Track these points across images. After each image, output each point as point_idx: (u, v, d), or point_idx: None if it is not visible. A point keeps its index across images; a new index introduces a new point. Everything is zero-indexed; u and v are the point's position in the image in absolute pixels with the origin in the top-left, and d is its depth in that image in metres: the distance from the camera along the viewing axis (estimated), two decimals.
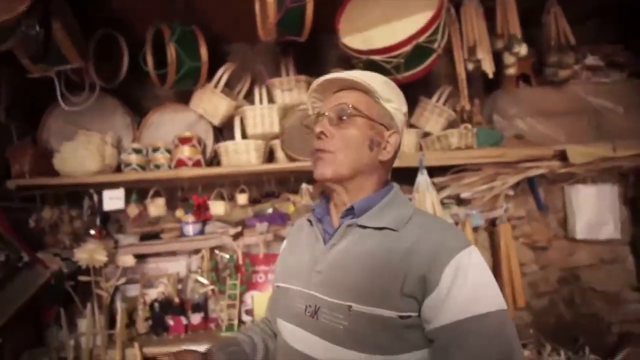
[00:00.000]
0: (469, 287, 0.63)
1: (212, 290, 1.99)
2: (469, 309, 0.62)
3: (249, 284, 2.04)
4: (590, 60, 1.88)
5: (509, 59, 1.67)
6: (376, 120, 0.78)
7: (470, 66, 1.73)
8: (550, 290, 2.09)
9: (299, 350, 0.74)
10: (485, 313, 0.62)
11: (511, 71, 1.73)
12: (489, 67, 1.69)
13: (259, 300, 2.04)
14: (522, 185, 2.05)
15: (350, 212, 0.77)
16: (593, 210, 2.00)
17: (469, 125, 1.82)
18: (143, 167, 1.89)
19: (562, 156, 1.84)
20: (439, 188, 1.88)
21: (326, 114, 0.79)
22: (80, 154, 1.78)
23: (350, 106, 0.76)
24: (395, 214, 0.74)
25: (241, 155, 1.88)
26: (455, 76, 2.01)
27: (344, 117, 0.76)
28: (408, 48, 1.41)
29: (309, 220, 0.86)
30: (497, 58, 1.84)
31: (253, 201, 2.00)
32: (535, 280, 2.08)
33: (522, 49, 1.65)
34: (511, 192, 1.98)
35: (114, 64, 1.91)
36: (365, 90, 0.78)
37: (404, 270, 0.66)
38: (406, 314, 0.65)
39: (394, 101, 0.81)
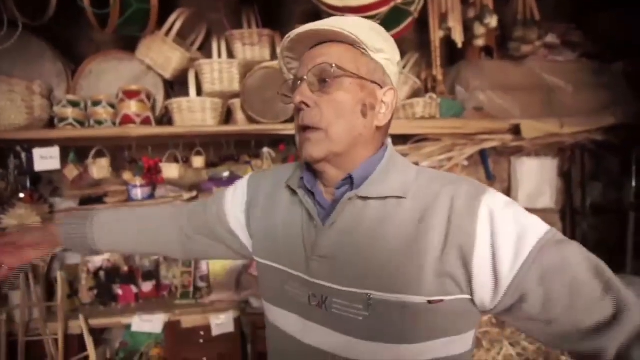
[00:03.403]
0: (514, 224, 0.55)
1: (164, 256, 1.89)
2: (528, 242, 0.54)
3: None
4: (549, 38, 1.94)
5: (479, 29, 1.66)
6: (366, 77, 0.64)
7: (440, 34, 1.70)
8: None
9: (310, 345, 0.66)
10: (545, 233, 0.55)
11: (479, 42, 1.73)
12: (458, 37, 1.67)
13: (214, 267, 1.99)
14: (475, 156, 2.14)
15: (347, 181, 0.66)
16: (534, 181, 2.16)
17: (434, 95, 1.82)
18: (82, 123, 1.66)
19: (515, 130, 1.92)
20: None
21: (305, 77, 0.64)
22: (2, 105, 1.51)
23: (334, 65, 0.62)
24: (398, 178, 0.64)
25: (196, 114, 1.73)
26: (422, 43, 1.98)
27: (328, 80, 0.63)
28: (386, 9, 1.33)
29: (290, 188, 0.72)
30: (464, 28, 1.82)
31: (210, 164, 1.87)
32: None
33: (493, 21, 1.64)
34: (466, 163, 2.06)
35: None
36: (349, 42, 0.64)
37: (425, 243, 0.57)
38: (437, 299, 0.57)
39: (385, 50, 0.66)
